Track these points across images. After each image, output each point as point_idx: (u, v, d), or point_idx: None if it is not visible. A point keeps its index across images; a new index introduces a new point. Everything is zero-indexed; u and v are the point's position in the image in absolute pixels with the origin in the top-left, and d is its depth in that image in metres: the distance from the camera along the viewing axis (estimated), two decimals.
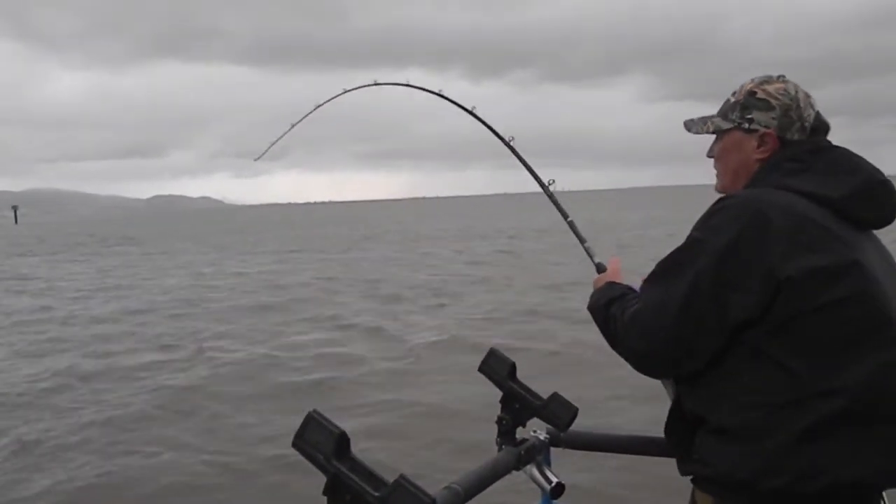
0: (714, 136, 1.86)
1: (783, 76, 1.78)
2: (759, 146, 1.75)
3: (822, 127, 1.78)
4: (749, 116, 1.75)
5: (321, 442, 1.32)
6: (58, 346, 11.82)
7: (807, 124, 1.74)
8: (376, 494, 1.27)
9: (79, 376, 9.63)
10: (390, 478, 1.30)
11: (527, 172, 2.42)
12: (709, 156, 1.90)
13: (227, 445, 6.79)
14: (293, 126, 3.06)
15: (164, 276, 22.95)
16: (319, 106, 2.97)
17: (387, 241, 38.88)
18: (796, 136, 1.73)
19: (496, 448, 1.84)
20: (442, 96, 2.64)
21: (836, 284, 1.53)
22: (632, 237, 31.29)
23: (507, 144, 2.47)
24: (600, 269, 2.15)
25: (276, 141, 3.19)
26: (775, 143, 1.73)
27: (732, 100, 1.81)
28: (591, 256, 2.26)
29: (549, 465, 1.90)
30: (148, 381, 9.25)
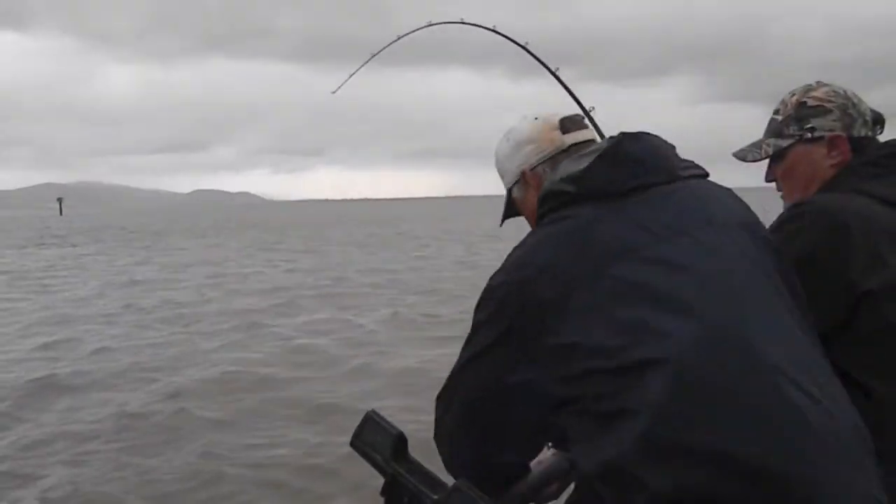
0: (767, 161, 1.79)
1: (820, 81, 1.74)
2: (829, 151, 1.68)
3: (879, 118, 1.73)
4: (809, 126, 1.69)
5: (379, 443, 1.32)
6: None
7: (867, 118, 1.69)
8: (434, 497, 1.25)
9: None
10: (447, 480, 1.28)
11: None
12: (768, 180, 1.82)
13: None
14: (373, 56, 3.20)
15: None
16: (401, 37, 3.08)
17: None
18: (863, 132, 1.68)
19: None
20: (527, 50, 2.75)
21: None
22: None
23: (579, 105, 2.52)
24: None
25: (355, 72, 3.35)
26: (846, 144, 1.67)
27: (780, 117, 1.75)
28: None
29: None
30: None
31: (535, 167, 1.53)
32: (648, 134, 1.39)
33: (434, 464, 1.34)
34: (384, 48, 3.15)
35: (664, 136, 1.41)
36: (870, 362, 1.46)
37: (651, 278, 1.20)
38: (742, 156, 1.82)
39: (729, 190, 1.41)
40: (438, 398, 1.38)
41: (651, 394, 1.11)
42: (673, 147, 1.42)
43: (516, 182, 1.58)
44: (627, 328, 1.16)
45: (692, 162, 1.42)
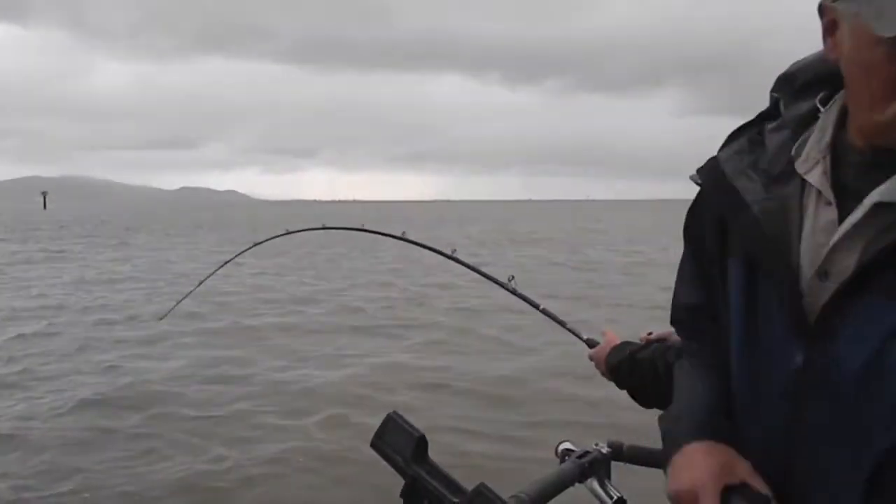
0: None
1: None
2: None
3: None
4: None
5: (400, 444, 1.31)
6: None
7: None
8: (455, 500, 1.25)
9: None
10: (466, 483, 1.28)
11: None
12: None
13: None
14: (201, 283, 3.48)
15: None
16: (259, 244, 3.26)
17: None
18: None
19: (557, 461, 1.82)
20: (406, 239, 2.84)
21: None
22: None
23: (451, 256, 2.60)
24: (591, 344, 2.05)
25: (183, 299, 3.63)
26: None
27: None
28: (578, 335, 2.18)
29: (609, 479, 1.88)
30: None
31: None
32: None
33: (452, 466, 1.34)
34: (228, 262, 3.36)
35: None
36: None
37: None
38: (696, 179, 1.95)
39: None
40: None
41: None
42: None
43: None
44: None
45: None
